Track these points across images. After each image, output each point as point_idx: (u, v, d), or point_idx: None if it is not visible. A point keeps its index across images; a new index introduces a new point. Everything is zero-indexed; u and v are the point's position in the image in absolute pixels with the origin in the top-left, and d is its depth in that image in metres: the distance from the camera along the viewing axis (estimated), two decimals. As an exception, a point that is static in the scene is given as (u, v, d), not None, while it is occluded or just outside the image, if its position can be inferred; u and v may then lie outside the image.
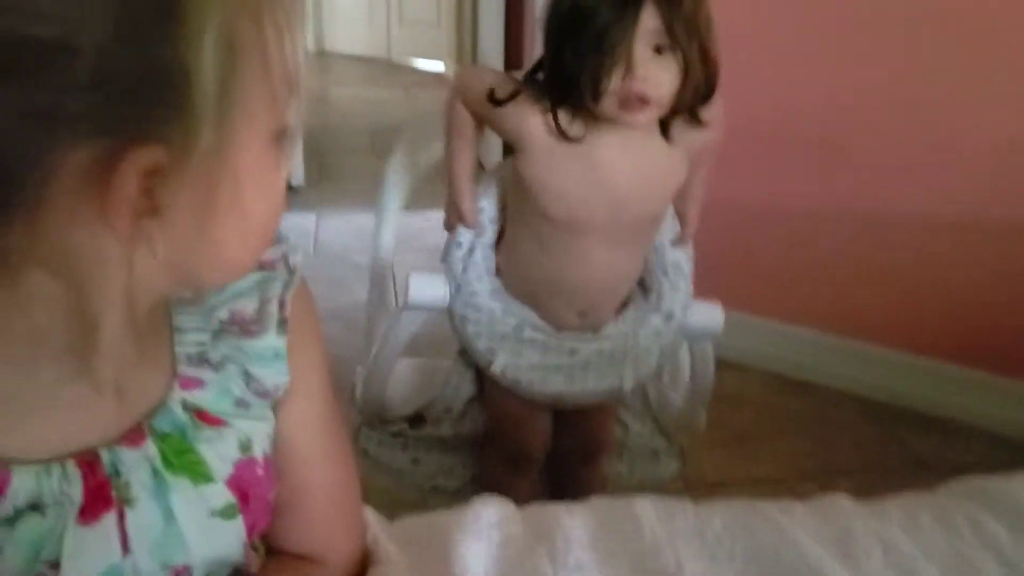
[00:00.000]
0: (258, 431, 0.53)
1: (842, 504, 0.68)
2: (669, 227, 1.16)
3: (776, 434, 1.81)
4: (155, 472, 0.48)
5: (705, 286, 2.01)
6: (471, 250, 1.13)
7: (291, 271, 0.54)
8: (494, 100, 1.01)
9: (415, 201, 1.38)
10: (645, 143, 1.01)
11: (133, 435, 0.48)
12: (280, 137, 0.42)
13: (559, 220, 1.04)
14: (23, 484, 0.43)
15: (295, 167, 3.14)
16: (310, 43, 5.59)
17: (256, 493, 0.52)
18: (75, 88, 0.33)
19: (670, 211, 1.15)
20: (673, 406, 1.28)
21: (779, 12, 1.82)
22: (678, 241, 1.17)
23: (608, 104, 0.93)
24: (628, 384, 1.16)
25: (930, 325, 1.84)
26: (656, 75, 0.91)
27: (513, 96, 1.00)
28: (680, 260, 1.17)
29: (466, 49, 3.99)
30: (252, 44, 0.38)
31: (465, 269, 1.12)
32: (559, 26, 0.94)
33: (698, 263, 2.10)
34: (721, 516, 0.67)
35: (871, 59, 1.74)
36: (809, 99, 1.83)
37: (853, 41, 1.75)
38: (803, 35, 1.80)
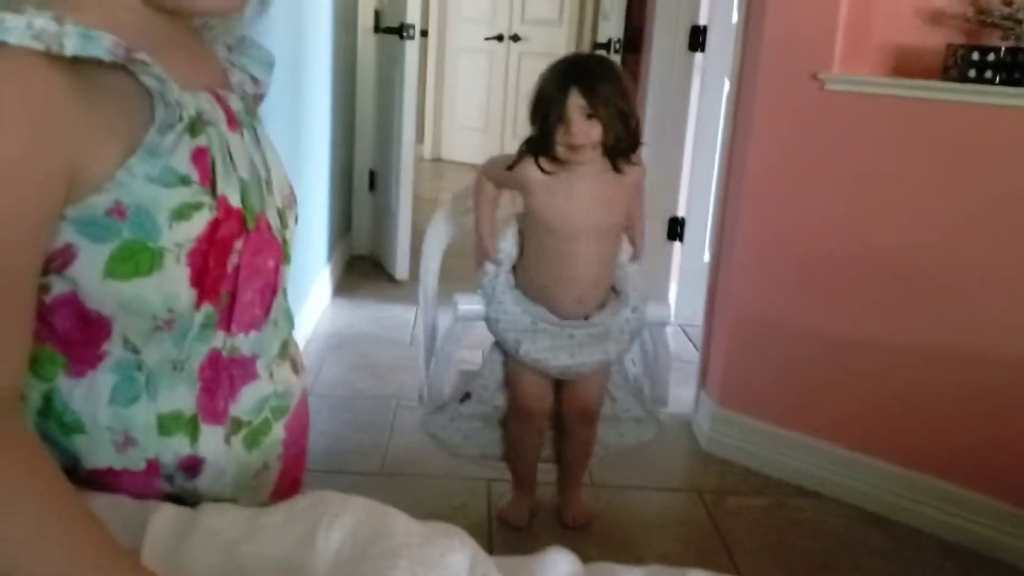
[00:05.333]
0: None
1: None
2: (626, 250, 1.71)
3: (851, 568, 1.73)
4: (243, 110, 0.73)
5: (792, 413, 2.01)
6: (496, 276, 1.66)
7: None
8: (509, 167, 1.58)
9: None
10: (603, 175, 1.57)
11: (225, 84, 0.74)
12: None
13: (558, 230, 1.57)
14: (186, 101, 0.65)
15: (400, 263, 3.32)
16: (427, 152, 5.94)
17: None
18: None
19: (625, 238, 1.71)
20: (645, 386, 1.84)
21: (860, 154, 1.87)
22: (632, 259, 1.72)
23: (560, 150, 1.51)
24: (612, 356, 1.69)
25: (1019, 472, 1.77)
26: (586, 131, 1.48)
27: (518, 160, 1.57)
28: (636, 271, 1.72)
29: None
30: None
31: (494, 289, 1.66)
32: (533, 108, 1.54)
33: (787, 389, 2.13)
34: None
35: (957, 195, 1.76)
36: (896, 235, 1.84)
37: (937, 179, 1.78)
38: (887, 177, 1.83)
